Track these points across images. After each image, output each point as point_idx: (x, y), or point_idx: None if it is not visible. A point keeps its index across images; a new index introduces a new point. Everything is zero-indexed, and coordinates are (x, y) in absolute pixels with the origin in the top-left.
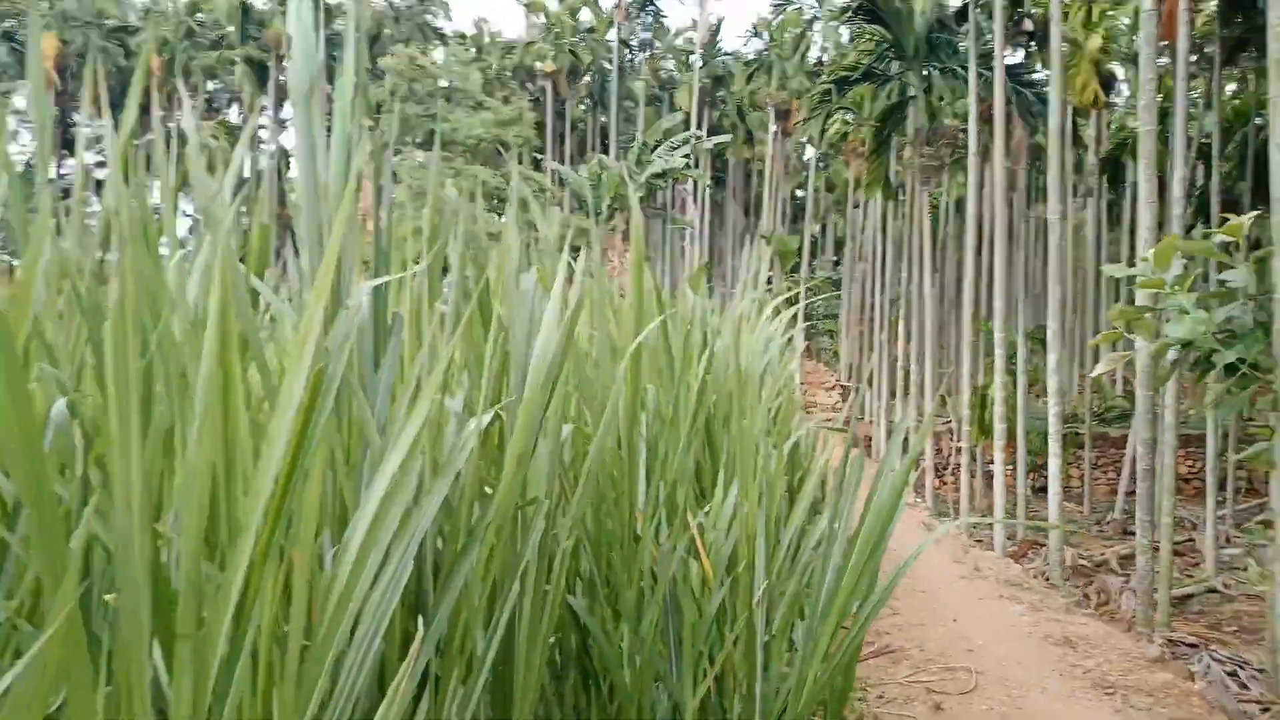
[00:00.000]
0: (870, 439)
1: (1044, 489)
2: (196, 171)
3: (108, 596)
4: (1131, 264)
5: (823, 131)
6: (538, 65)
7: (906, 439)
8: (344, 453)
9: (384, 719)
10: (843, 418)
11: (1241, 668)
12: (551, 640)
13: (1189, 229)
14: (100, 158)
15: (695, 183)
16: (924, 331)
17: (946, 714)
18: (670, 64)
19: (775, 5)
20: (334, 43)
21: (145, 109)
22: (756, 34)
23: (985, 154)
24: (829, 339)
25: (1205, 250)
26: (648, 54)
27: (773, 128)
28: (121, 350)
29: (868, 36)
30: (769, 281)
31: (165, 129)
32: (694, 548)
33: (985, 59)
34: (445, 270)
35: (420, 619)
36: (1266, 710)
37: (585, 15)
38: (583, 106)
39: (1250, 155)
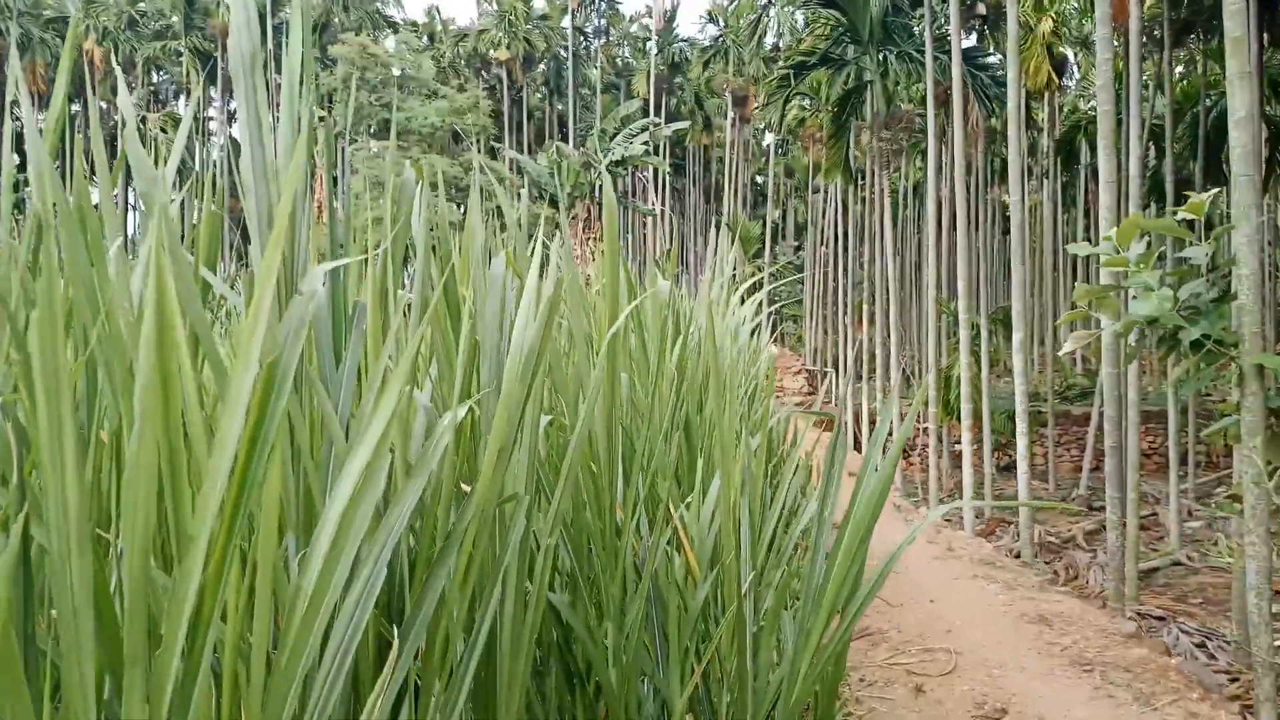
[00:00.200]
0: (833, 422)
1: (1008, 468)
2: (134, 153)
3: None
4: (1087, 242)
5: (781, 117)
6: (492, 53)
7: (890, 425)
8: (309, 452)
9: None
10: (819, 402)
11: (1209, 638)
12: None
13: (1144, 208)
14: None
15: (655, 170)
16: (888, 314)
17: (928, 696)
18: (626, 51)
19: None
20: (281, 31)
21: (84, 101)
22: (712, 20)
23: (942, 137)
24: (793, 324)
25: (1168, 228)
26: (603, 41)
27: (731, 114)
28: (49, 346)
29: (823, 21)
30: (733, 267)
31: (109, 121)
32: (677, 540)
33: (940, 42)
34: (406, 260)
35: (396, 628)
36: (1235, 680)
37: (539, 2)
38: (539, 95)
39: (1201, 136)
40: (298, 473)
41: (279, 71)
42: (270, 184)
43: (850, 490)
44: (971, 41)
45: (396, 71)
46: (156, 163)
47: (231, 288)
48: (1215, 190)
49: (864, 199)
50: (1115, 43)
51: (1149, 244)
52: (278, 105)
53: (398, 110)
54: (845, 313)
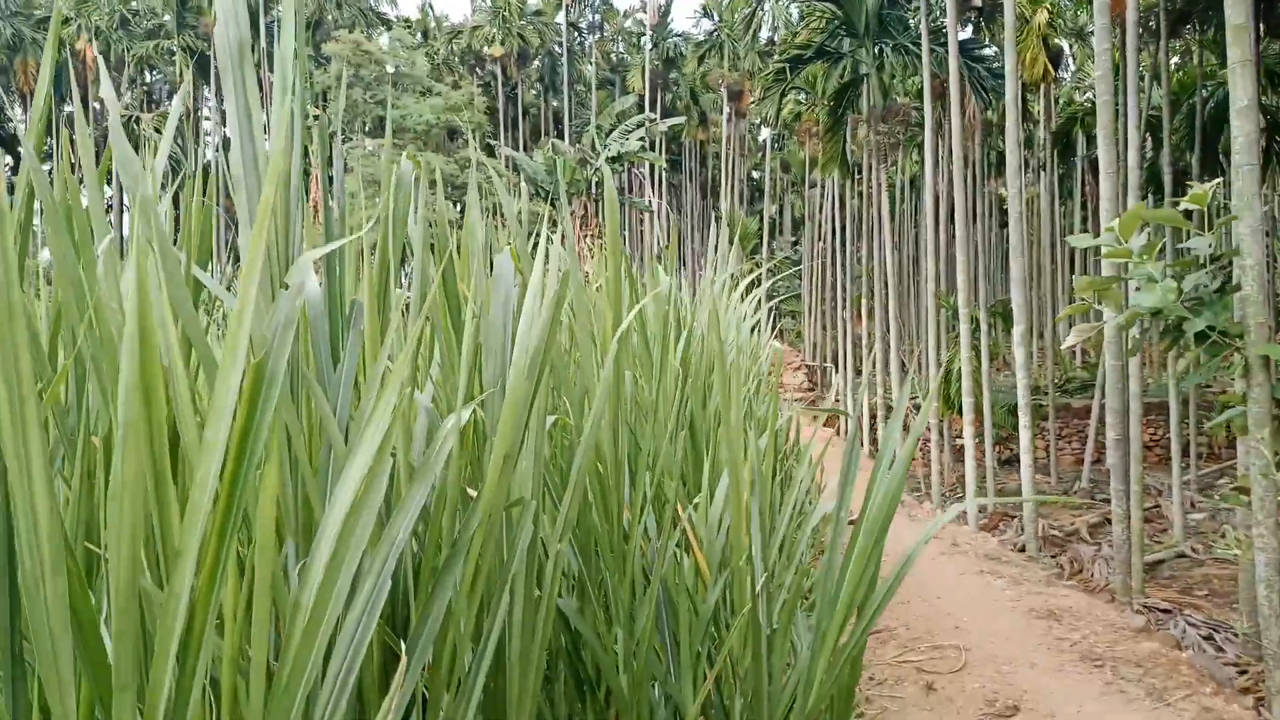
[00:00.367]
0: (837, 419)
1: (1009, 461)
2: (119, 146)
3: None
4: (1087, 234)
5: (777, 112)
6: (486, 50)
7: (906, 420)
8: (308, 458)
9: None
10: (828, 399)
11: (1216, 631)
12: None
13: (1141, 199)
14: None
15: (652, 166)
16: (886, 308)
17: (939, 694)
18: (621, 46)
19: None
20: (274, 31)
21: (83, 102)
22: (707, 14)
23: (939, 130)
24: (791, 319)
25: (1171, 219)
26: (597, 36)
27: (726, 109)
28: (9, 346)
29: (818, 14)
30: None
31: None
32: (686, 542)
33: (935, 35)
34: (405, 259)
35: (404, 640)
36: (1244, 672)
37: None
38: (534, 91)
39: (1198, 126)
40: (296, 478)
41: (272, 70)
42: (261, 177)
43: (860, 489)
44: (967, 34)
45: (391, 69)
46: (144, 159)
47: (229, 289)
48: (1217, 181)
49: (861, 193)
50: (1113, 33)
51: (1150, 235)
52: (272, 102)
53: (392, 108)
54: (844, 307)
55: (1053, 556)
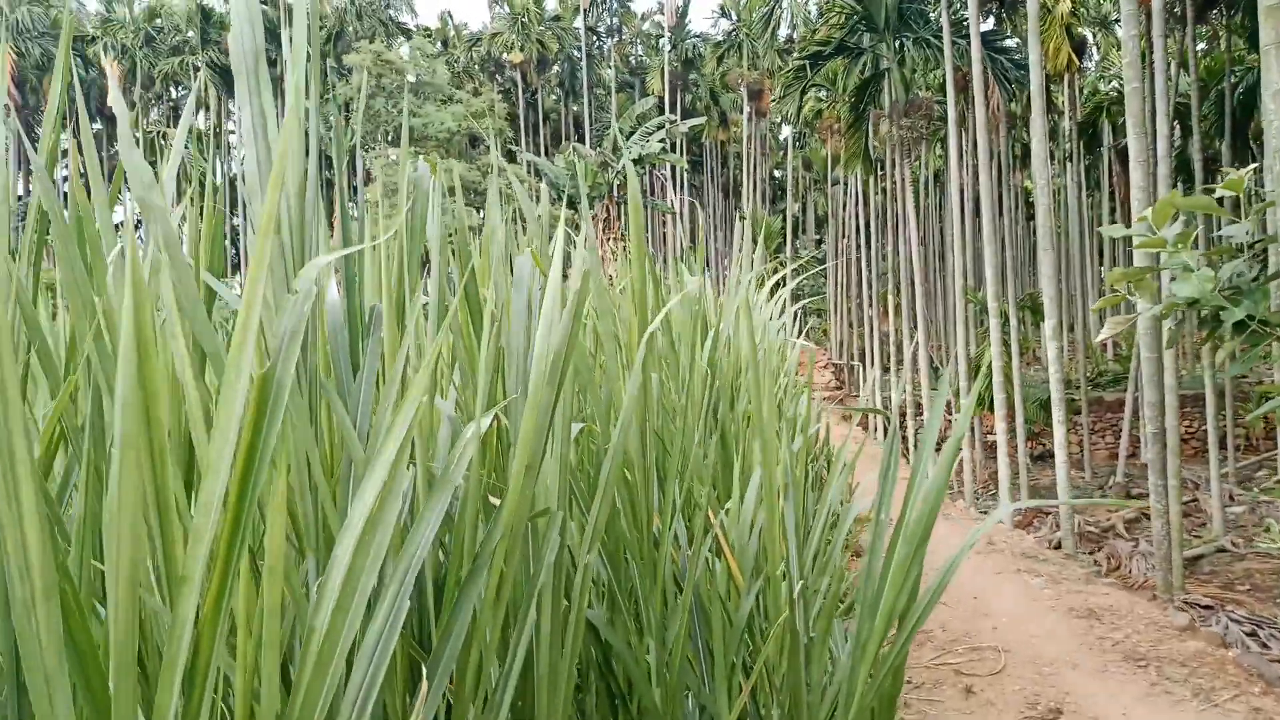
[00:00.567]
0: (866, 419)
1: (1042, 457)
2: (128, 156)
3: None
4: (1120, 225)
5: (798, 109)
6: (505, 56)
7: (946, 412)
8: (326, 470)
9: None
10: (861, 399)
11: (1260, 627)
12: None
13: (1171, 188)
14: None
15: (673, 167)
16: (914, 305)
17: (978, 697)
18: (639, 49)
19: None
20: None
21: (111, 118)
22: (724, 14)
23: (962, 123)
24: (817, 317)
25: (1207, 206)
26: (616, 40)
27: (746, 108)
28: None
29: (838, 10)
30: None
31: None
32: (717, 548)
33: (957, 27)
34: (426, 265)
35: (426, 654)
36: None
37: (551, 3)
38: (554, 96)
39: (1227, 112)
40: (314, 490)
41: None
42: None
43: (897, 490)
44: (989, 25)
45: (411, 78)
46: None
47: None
48: (1253, 166)
49: (884, 189)
50: (1139, 19)
51: (1186, 224)
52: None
53: (414, 116)
54: (869, 305)
55: (1089, 553)
